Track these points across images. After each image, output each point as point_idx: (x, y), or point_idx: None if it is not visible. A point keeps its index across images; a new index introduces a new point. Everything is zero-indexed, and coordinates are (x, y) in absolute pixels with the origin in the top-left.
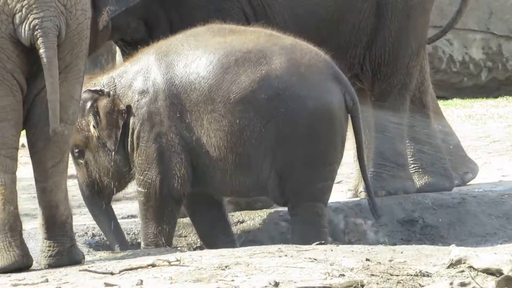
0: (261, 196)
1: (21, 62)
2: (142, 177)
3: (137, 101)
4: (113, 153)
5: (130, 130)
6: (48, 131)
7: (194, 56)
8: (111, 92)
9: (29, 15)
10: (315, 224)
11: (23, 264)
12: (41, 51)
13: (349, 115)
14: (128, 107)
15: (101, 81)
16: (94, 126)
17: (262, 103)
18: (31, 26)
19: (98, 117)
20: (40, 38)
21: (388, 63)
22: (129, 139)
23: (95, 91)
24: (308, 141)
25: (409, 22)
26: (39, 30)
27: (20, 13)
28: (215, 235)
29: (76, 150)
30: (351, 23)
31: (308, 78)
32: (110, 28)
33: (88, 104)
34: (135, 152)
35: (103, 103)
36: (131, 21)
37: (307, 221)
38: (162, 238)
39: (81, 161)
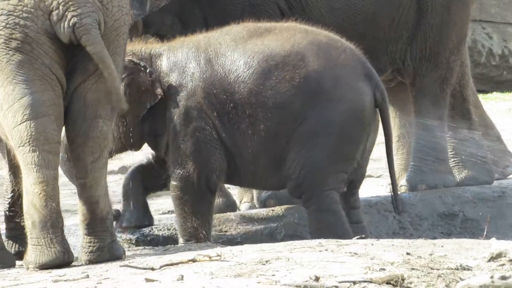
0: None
1: (58, 58)
2: (179, 171)
3: (174, 94)
4: (127, 127)
5: (166, 123)
6: (86, 127)
7: (233, 58)
8: (154, 75)
9: (66, 13)
10: (331, 209)
11: (64, 261)
12: (89, 48)
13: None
14: (163, 96)
15: (139, 52)
16: None
17: (298, 106)
18: (70, 24)
19: (129, 89)
20: (84, 36)
21: (429, 58)
22: (165, 134)
23: (138, 65)
24: (336, 139)
25: (450, 17)
26: (80, 28)
27: (57, 11)
28: None
29: None
30: (390, 18)
31: (342, 79)
32: (140, 28)
33: (126, 73)
34: (170, 146)
35: (141, 79)
36: (166, 18)
37: (323, 207)
38: (203, 231)
39: None
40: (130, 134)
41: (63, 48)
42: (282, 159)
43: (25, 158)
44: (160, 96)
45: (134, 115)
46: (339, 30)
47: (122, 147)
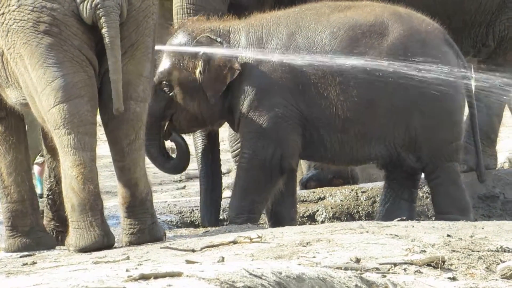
0: (384, 163)
1: (87, 39)
2: (250, 144)
3: (253, 70)
4: (208, 104)
5: (241, 96)
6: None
7: (317, 30)
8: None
9: None
10: (457, 183)
11: (103, 244)
12: (104, 30)
13: None
14: (242, 70)
15: (217, 29)
16: (200, 72)
17: (389, 72)
18: (92, 5)
19: (208, 66)
20: (102, 17)
21: (509, 39)
22: (239, 108)
23: (215, 41)
24: (436, 102)
25: None
26: (101, 9)
27: None
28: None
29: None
30: (477, 2)
31: (429, 43)
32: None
33: (203, 49)
34: (243, 118)
35: (219, 55)
36: None
37: (450, 181)
38: (259, 207)
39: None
40: (211, 111)
41: (91, 30)
42: (381, 128)
43: (61, 141)
44: (238, 71)
45: (214, 91)
46: (428, 10)
47: (203, 123)
